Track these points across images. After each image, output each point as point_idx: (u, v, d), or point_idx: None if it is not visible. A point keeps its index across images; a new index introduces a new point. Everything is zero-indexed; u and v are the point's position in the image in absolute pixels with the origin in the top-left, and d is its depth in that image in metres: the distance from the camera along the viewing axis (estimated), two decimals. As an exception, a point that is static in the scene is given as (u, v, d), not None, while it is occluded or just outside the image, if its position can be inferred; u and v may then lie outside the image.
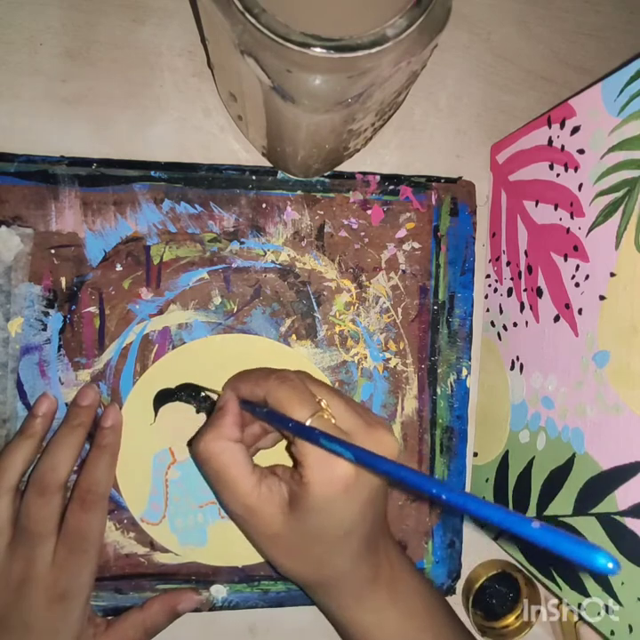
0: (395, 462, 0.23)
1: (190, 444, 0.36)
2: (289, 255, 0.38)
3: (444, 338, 0.40)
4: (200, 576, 0.37)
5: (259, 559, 0.36)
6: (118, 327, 0.37)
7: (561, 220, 0.33)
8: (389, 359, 0.40)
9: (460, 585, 0.41)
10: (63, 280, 0.36)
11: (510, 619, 0.42)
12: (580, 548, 0.15)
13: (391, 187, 0.39)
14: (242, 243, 0.38)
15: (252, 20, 0.23)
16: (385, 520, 0.33)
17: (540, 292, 0.35)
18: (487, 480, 0.40)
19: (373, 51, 0.23)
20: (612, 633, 0.28)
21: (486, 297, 0.42)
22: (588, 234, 0.31)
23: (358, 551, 0.30)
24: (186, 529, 0.37)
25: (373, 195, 0.39)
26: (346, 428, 0.29)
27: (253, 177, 0.38)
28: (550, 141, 0.34)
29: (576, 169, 0.32)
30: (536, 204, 0.36)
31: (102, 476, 0.34)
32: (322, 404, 0.30)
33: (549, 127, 0.34)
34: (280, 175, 0.38)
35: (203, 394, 0.37)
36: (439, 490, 0.20)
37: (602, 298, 0.29)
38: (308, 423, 0.28)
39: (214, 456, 0.30)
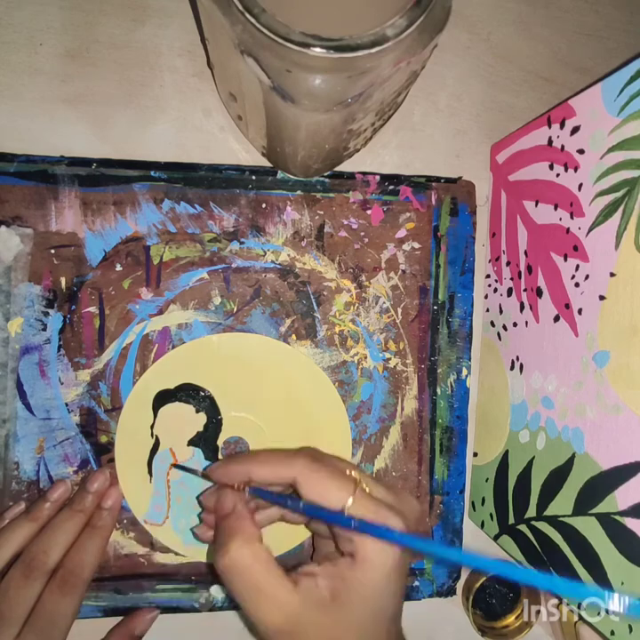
0: (432, 543, 0.23)
1: (211, 556, 0.33)
2: (289, 255, 0.38)
3: (443, 338, 0.40)
4: (200, 576, 0.37)
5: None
6: (118, 327, 0.37)
7: (561, 219, 0.33)
8: (389, 359, 0.40)
9: (460, 585, 0.41)
10: (63, 280, 0.36)
11: (510, 619, 0.42)
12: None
13: (391, 187, 0.39)
14: (242, 243, 0.38)
15: (252, 20, 0.23)
16: None
17: (539, 292, 0.35)
18: (487, 480, 0.40)
19: (373, 51, 0.23)
20: (612, 633, 0.28)
21: (486, 297, 0.42)
22: (587, 234, 0.31)
23: (397, 632, 0.30)
24: (189, 529, 0.37)
25: (373, 195, 0.39)
26: (381, 499, 0.28)
27: (253, 177, 0.38)
28: (550, 141, 0.34)
29: (576, 169, 0.32)
30: (536, 204, 0.36)
31: (89, 559, 0.33)
32: (355, 476, 0.28)
33: (549, 127, 0.34)
34: (280, 175, 0.38)
35: (202, 394, 0.37)
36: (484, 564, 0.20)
37: (602, 298, 0.29)
38: (349, 502, 0.27)
39: (247, 567, 0.27)
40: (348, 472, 0.29)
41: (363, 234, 0.39)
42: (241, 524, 0.28)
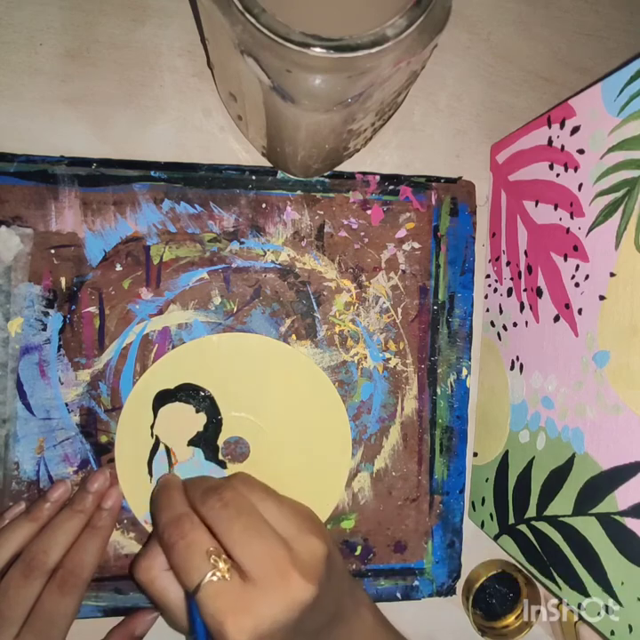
0: None
1: (131, 567, 0.35)
2: (289, 255, 0.38)
3: (443, 338, 0.40)
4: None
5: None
6: (118, 327, 0.37)
7: (561, 219, 0.33)
8: (389, 359, 0.40)
9: (460, 585, 0.41)
10: (63, 280, 0.36)
11: (510, 619, 0.42)
12: None
13: (391, 187, 0.39)
14: (242, 243, 0.38)
15: (252, 20, 0.23)
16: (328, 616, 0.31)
17: (539, 292, 0.35)
18: (487, 480, 0.40)
19: (373, 51, 0.23)
20: (612, 633, 0.28)
21: (486, 297, 0.42)
22: (587, 234, 0.31)
23: None
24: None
25: (373, 195, 0.39)
26: (253, 573, 0.28)
27: (253, 177, 0.38)
28: (550, 141, 0.34)
29: (576, 169, 0.32)
30: (536, 204, 0.36)
31: (89, 559, 0.33)
32: (212, 561, 0.28)
33: (549, 127, 0.34)
34: (280, 175, 0.38)
35: (202, 394, 0.37)
36: None
37: (602, 298, 0.29)
38: (205, 581, 0.27)
39: (148, 584, 0.31)
40: (212, 553, 0.28)
41: (363, 234, 0.39)
42: (153, 549, 0.31)
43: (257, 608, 0.27)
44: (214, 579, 0.27)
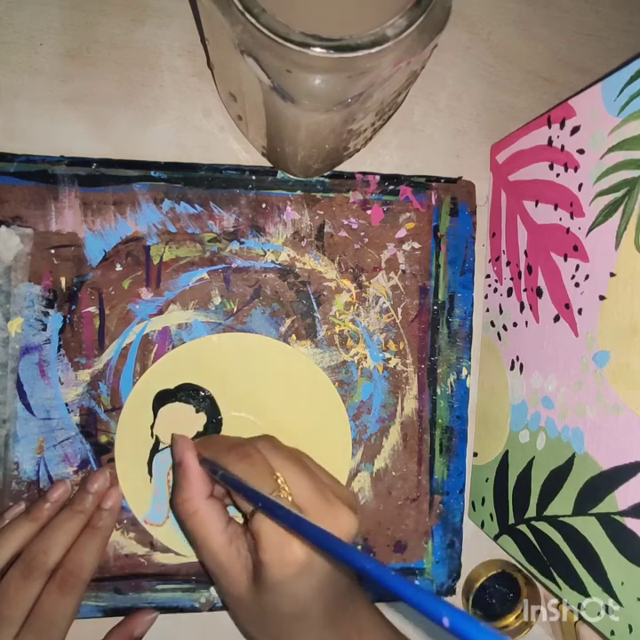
0: (348, 547, 0.21)
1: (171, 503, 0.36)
2: (289, 255, 0.38)
3: (443, 338, 0.40)
4: (200, 576, 0.37)
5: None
6: (118, 327, 0.37)
7: (561, 219, 0.33)
8: (389, 359, 0.40)
9: (460, 585, 0.41)
10: (63, 280, 0.36)
11: (510, 619, 0.42)
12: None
13: (391, 187, 0.39)
14: (242, 243, 0.38)
15: (252, 20, 0.23)
16: (352, 591, 0.32)
17: (539, 292, 0.35)
18: (487, 480, 0.40)
19: (373, 51, 0.23)
20: (612, 633, 0.28)
21: (486, 297, 0.42)
22: (587, 234, 0.31)
23: (317, 627, 0.30)
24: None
25: (373, 195, 0.39)
26: (303, 505, 0.29)
27: (253, 177, 0.38)
28: (550, 141, 0.34)
29: (576, 169, 0.32)
30: (536, 204, 0.36)
31: (89, 559, 0.33)
32: (279, 481, 0.29)
33: (549, 127, 0.34)
34: (280, 175, 0.38)
35: (202, 394, 0.37)
36: (389, 580, 0.18)
37: (602, 298, 0.29)
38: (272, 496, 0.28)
39: (188, 517, 0.30)
40: (275, 476, 0.29)
41: (363, 234, 0.39)
42: (187, 480, 0.31)
43: None
44: (278, 496, 0.28)
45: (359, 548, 0.39)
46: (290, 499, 0.29)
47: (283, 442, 0.37)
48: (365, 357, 0.39)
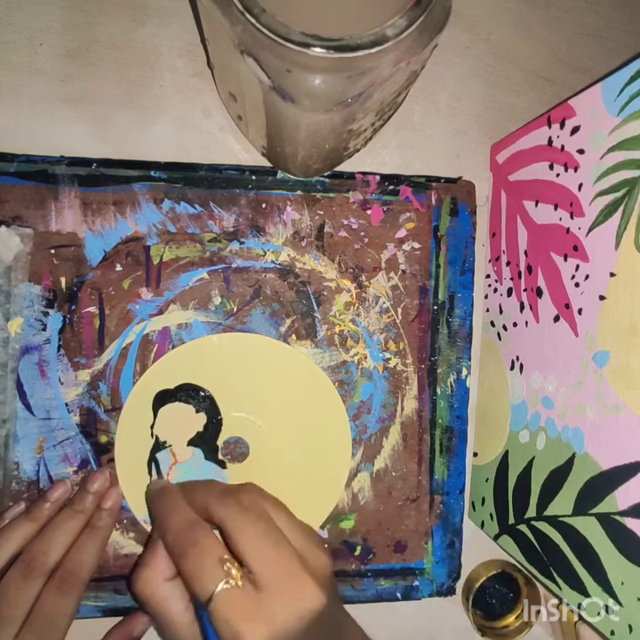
0: None
1: (129, 579, 0.35)
2: (289, 255, 0.38)
3: (443, 338, 0.40)
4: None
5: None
6: (118, 327, 0.37)
7: (561, 219, 0.33)
8: (389, 359, 0.40)
9: (459, 585, 0.41)
10: (63, 280, 0.36)
11: (510, 619, 0.42)
12: None
13: (391, 187, 0.39)
14: (242, 243, 0.38)
15: (252, 20, 0.23)
16: None
17: (539, 292, 0.35)
18: (487, 480, 0.40)
19: (373, 51, 0.23)
20: (612, 633, 0.28)
21: (486, 297, 0.42)
22: (587, 234, 0.31)
23: None
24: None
25: (373, 195, 0.39)
26: (264, 581, 0.27)
27: (253, 177, 0.38)
28: (550, 141, 0.34)
29: (576, 169, 0.32)
30: (536, 204, 0.36)
31: (89, 559, 0.33)
32: (226, 568, 0.28)
33: (549, 127, 0.34)
34: (280, 175, 0.38)
35: (202, 394, 0.37)
36: None
37: (602, 298, 0.29)
38: (218, 589, 0.27)
39: (150, 596, 0.30)
40: (226, 562, 0.28)
41: (363, 234, 0.39)
42: (153, 560, 0.31)
43: (271, 615, 0.27)
44: (228, 586, 0.27)
45: (359, 548, 0.39)
46: (240, 583, 0.27)
47: (282, 442, 0.37)
48: (365, 357, 0.39)
